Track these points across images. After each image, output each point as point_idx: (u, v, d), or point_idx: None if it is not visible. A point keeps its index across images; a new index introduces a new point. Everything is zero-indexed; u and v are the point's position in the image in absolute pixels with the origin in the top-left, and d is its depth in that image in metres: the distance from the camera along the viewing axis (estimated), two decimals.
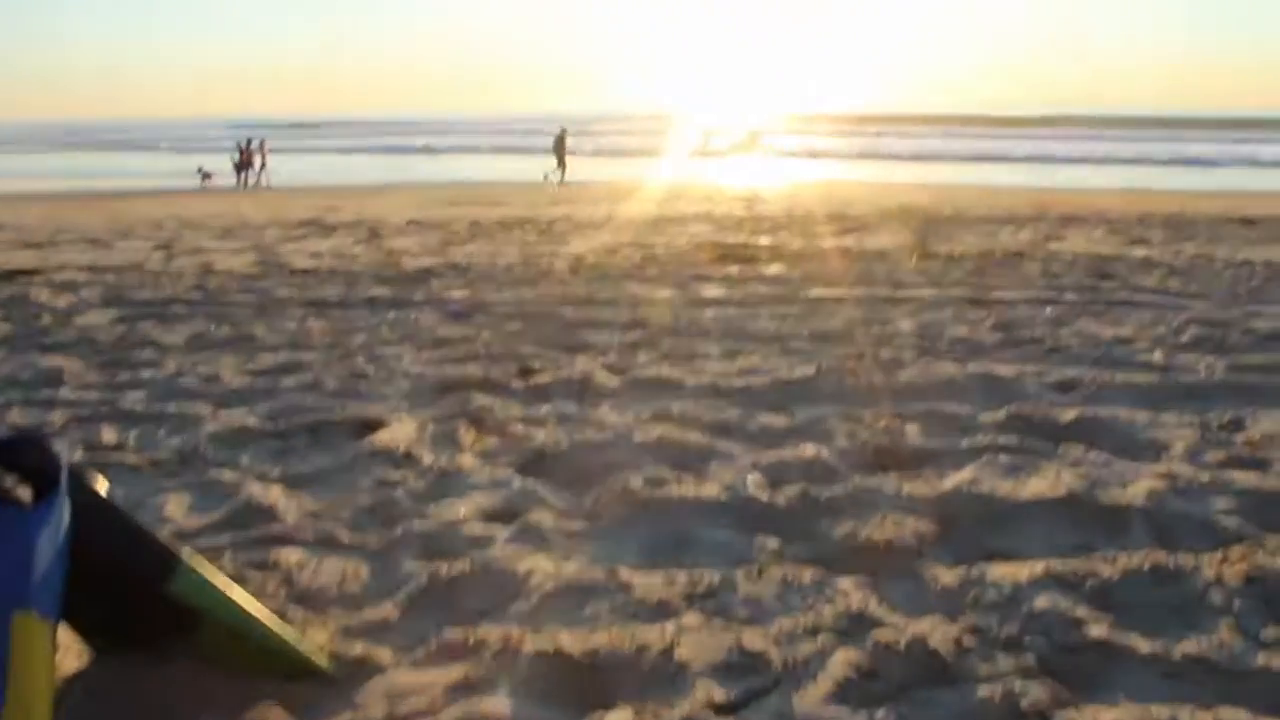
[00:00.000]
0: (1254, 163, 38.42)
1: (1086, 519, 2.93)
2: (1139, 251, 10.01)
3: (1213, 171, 34.07)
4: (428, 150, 51.27)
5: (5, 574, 1.77)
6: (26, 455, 1.91)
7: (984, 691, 2.01)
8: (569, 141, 31.61)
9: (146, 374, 5.05)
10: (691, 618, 2.32)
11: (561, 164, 30.51)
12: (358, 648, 2.24)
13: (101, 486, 1.99)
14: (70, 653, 2.13)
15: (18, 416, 4.27)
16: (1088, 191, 22.68)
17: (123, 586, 1.97)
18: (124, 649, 2.10)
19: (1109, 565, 2.53)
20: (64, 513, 1.87)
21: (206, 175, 30.86)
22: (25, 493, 1.88)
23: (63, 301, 7.55)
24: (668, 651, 2.15)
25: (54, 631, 1.78)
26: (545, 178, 28.52)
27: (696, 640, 2.20)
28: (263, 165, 31.36)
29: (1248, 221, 13.43)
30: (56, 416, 4.28)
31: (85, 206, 20.09)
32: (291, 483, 3.38)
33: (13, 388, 4.83)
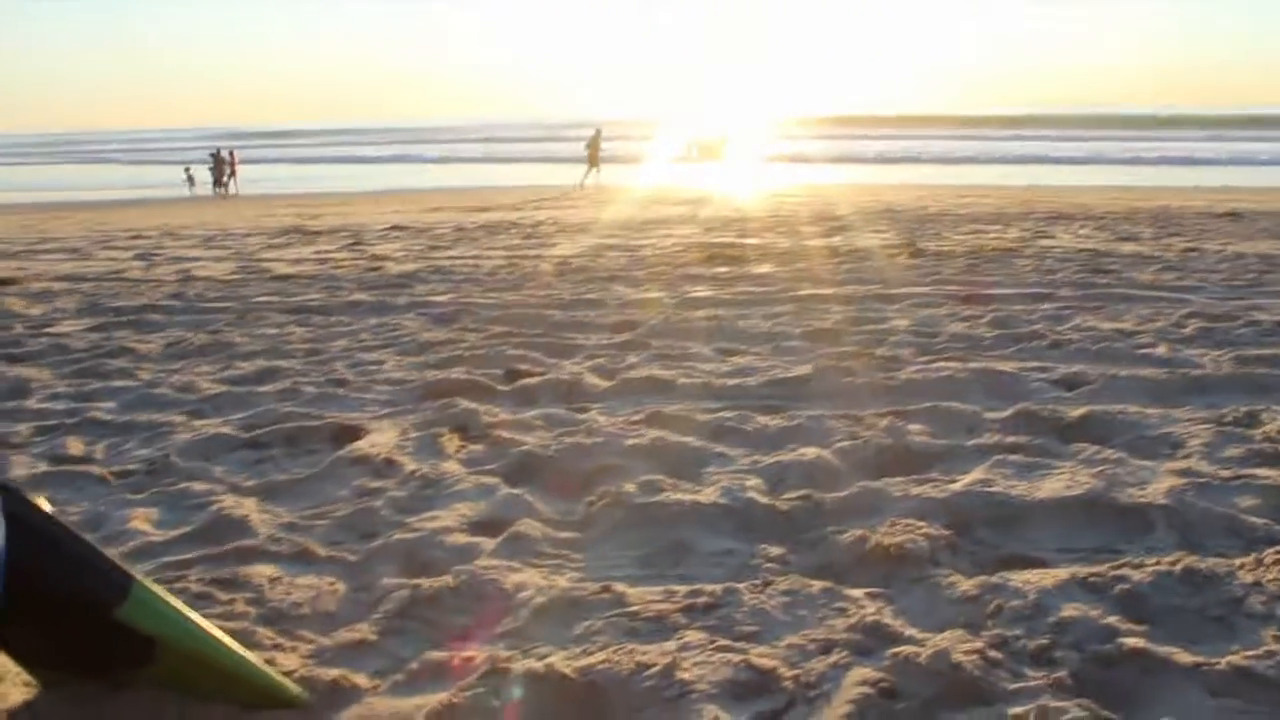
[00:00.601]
0: (1235, 159, 38.45)
1: (1106, 520, 2.78)
2: (1129, 247, 9.88)
3: (1194, 169, 34.07)
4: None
5: None
6: None
7: (1015, 710, 1.85)
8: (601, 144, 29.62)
9: (119, 383, 4.86)
10: (694, 634, 2.15)
11: (594, 164, 28.69)
12: (332, 672, 2.07)
13: (43, 505, 1.81)
14: (16, 685, 1.95)
15: None
16: (1071, 190, 22.58)
17: (70, 613, 1.79)
18: (74, 679, 1.93)
19: (1137, 570, 2.37)
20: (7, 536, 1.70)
21: (191, 179, 31.20)
22: None
23: (37, 311, 7.34)
24: (669, 671, 1.98)
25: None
26: (581, 185, 27.00)
27: (700, 659, 2.03)
28: (232, 174, 31.38)
29: (1234, 215, 13.34)
30: (22, 428, 4.10)
31: (66, 217, 19.82)
32: (265, 494, 3.20)
33: None
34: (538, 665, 1.99)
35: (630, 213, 16.05)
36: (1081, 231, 11.62)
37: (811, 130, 68.81)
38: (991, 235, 11.24)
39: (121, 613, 1.81)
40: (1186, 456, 3.29)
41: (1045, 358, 4.83)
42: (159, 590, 1.89)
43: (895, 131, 66.39)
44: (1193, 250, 9.43)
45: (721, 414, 3.87)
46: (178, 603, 1.91)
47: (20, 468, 3.56)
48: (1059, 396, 4.11)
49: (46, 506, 1.80)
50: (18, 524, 1.71)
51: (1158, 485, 2.95)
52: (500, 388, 4.46)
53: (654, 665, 1.99)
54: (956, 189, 22.84)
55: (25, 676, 1.96)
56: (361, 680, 2.05)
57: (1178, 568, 2.35)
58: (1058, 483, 2.99)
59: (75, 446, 3.82)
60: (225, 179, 31.20)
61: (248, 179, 32.43)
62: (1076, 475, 3.05)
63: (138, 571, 1.90)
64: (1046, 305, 6.35)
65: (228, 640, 1.95)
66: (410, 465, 3.38)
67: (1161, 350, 4.87)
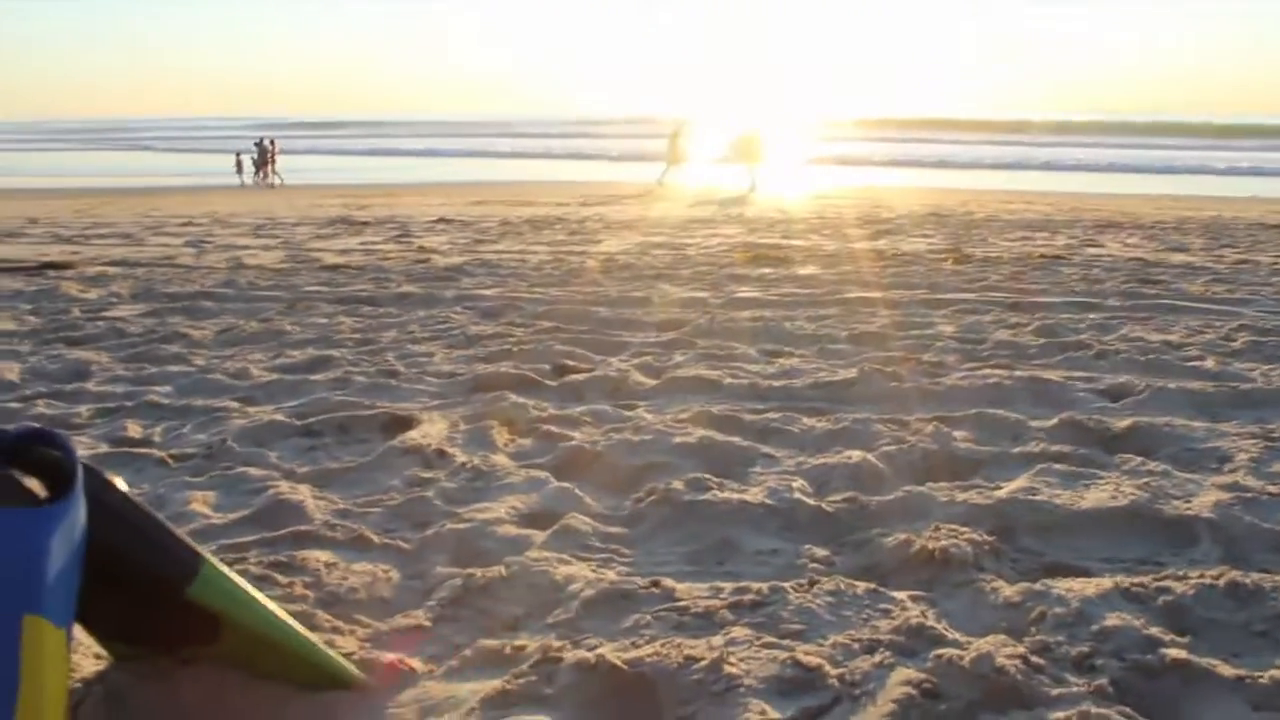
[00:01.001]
0: None
1: (1151, 531, 2.79)
2: (1179, 257, 9.80)
3: (1252, 179, 33.61)
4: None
5: (16, 576, 1.66)
6: (40, 452, 1.81)
7: (1057, 715, 1.88)
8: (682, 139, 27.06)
9: (174, 368, 4.97)
10: (741, 630, 2.19)
11: (677, 160, 26.63)
12: (389, 656, 2.13)
13: (120, 485, 1.88)
14: (88, 656, 2.03)
15: (45, 409, 4.20)
16: (1120, 197, 22.36)
17: (142, 589, 1.86)
18: (143, 653, 2.00)
19: (1180, 582, 2.39)
20: (79, 512, 1.76)
21: (240, 166, 31.99)
22: (39, 490, 1.77)
23: (93, 295, 7.50)
24: (717, 666, 2.02)
25: (68, 635, 1.67)
26: (660, 181, 25.27)
27: (747, 654, 2.08)
28: (273, 162, 31.79)
29: None
30: (83, 410, 4.21)
31: (116, 202, 20.14)
32: (320, 480, 3.28)
33: (40, 380, 4.76)
34: (588, 656, 2.04)
35: (674, 211, 16.10)
36: (1130, 240, 11.54)
37: (851, 132, 68.43)
38: (1039, 242, 11.18)
39: (192, 591, 1.87)
40: (1233, 471, 3.29)
41: (1091, 367, 4.82)
42: (226, 571, 1.96)
43: (937, 135, 65.90)
44: (1245, 262, 9.34)
45: (767, 415, 3.91)
46: (244, 583, 1.98)
47: (82, 449, 3.66)
48: (1105, 407, 4.11)
49: (123, 487, 1.87)
50: (98, 503, 1.78)
51: (1203, 498, 2.95)
52: (548, 383, 4.52)
53: (701, 659, 2.04)
54: (1003, 194, 22.68)
55: (98, 649, 2.04)
56: (417, 664, 2.11)
57: (1222, 581, 2.36)
58: (1102, 493, 3.01)
59: (134, 429, 3.92)
60: (268, 167, 31.65)
61: (294, 169, 32.79)
62: (1121, 486, 3.06)
63: (205, 552, 1.98)
64: (1093, 314, 6.33)
65: (290, 621, 2.02)
66: (461, 457, 3.44)
67: (1210, 363, 4.85)
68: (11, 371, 4.86)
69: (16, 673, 1.57)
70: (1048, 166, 39.82)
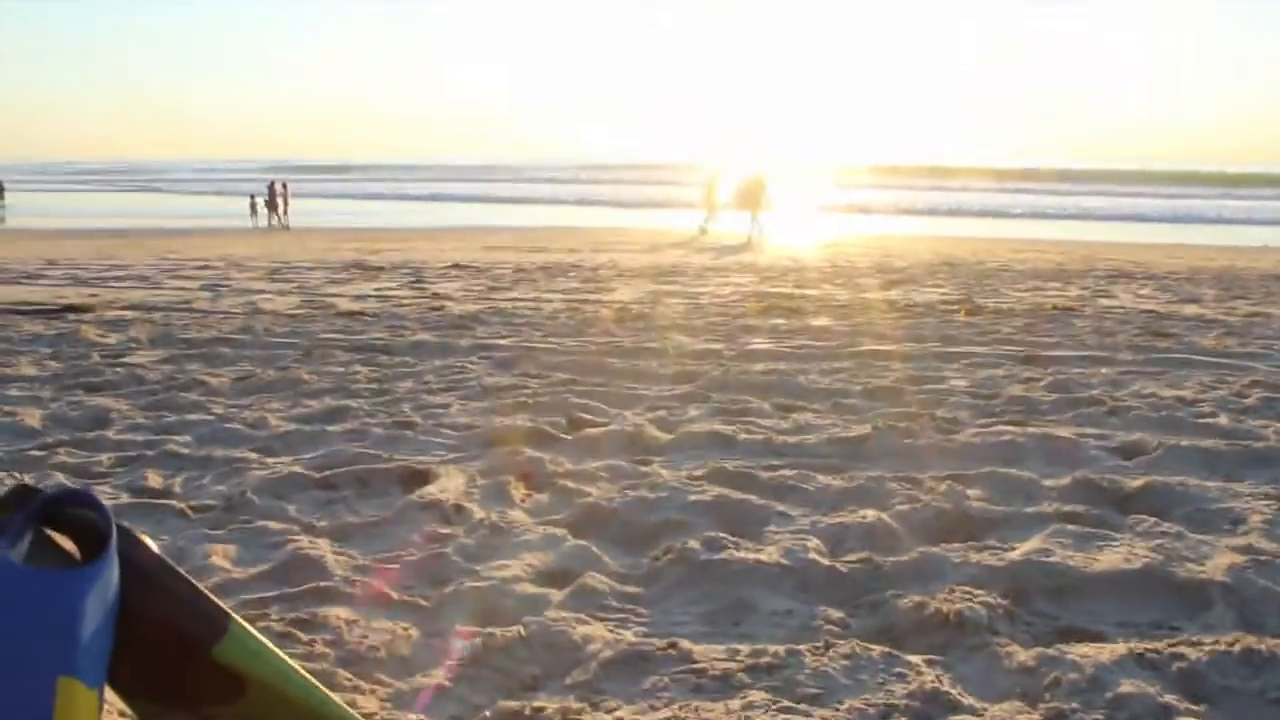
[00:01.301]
0: None
1: (1164, 595, 2.81)
2: (1191, 309, 9.84)
3: (1258, 228, 33.67)
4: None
5: (52, 637, 1.70)
6: (74, 512, 1.85)
7: None
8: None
9: (193, 416, 5.02)
10: (757, 694, 2.21)
11: (714, 207, 26.55)
12: (409, 717, 2.16)
13: (149, 544, 1.92)
14: (111, 713, 2.06)
15: (66, 457, 4.24)
16: (1132, 246, 22.43)
17: (170, 648, 1.89)
18: (168, 713, 2.02)
19: (1194, 648, 2.40)
20: (114, 572, 1.80)
21: (254, 208, 33.04)
22: (73, 550, 1.81)
23: (112, 339, 7.58)
24: None
25: (100, 697, 1.70)
26: (703, 230, 25.26)
27: (765, 719, 2.10)
28: (285, 205, 32.22)
29: None
30: (104, 458, 4.25)
31: (135, 244, 20.34)
32: (339, 535, 3.31)
33: (61, 427, 4.82)
34: (607, 719, 2.06)
35: (687, 259, 16.19)
36: (1142, 291, 11.58)
37: (864, 179, 68.83)
38: (1050, 292, 11.23)
39: (218, 651, 1.90)
40: (1247, 533, 3.30)
41: (1104, 424, 4.84)
42: (252, 630, 1.99)
43: (948, 182, 66.23)
44: (1257, 315, 9.37)
45: (782, 471, 3.94)
46: (267, 642, 2.01)
47: (104, 499, 3.70)
48: (1117, 465, 4.13)
49: (154, 546, 1.91)
50: (129, 563, 1.81)
51: (1217, 561, 2.97)
52: (564, 436, 4.56)
53: None
54: (1015, 242, 22.79)
55: (122, 706, 2.07)
56: None
57: (1236, 648, 2.38)
58: (1116, 555, 3.02)
59: (155, 479, 3.96)
60: (280, 209, 32.08)
61: (305, 212, 33.23)
62: (1135, 547, 3.08)
63: (231, 611, 2.01)
64: (1106, 369, 6.35)
65: (312, 680, 2.04)
66: (479, 513, 3.47)
67: (1223, 420, 4.87)
68: (33, 418, 4.92)
69: None
70: (1060, 215, 39.97)
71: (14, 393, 5.59)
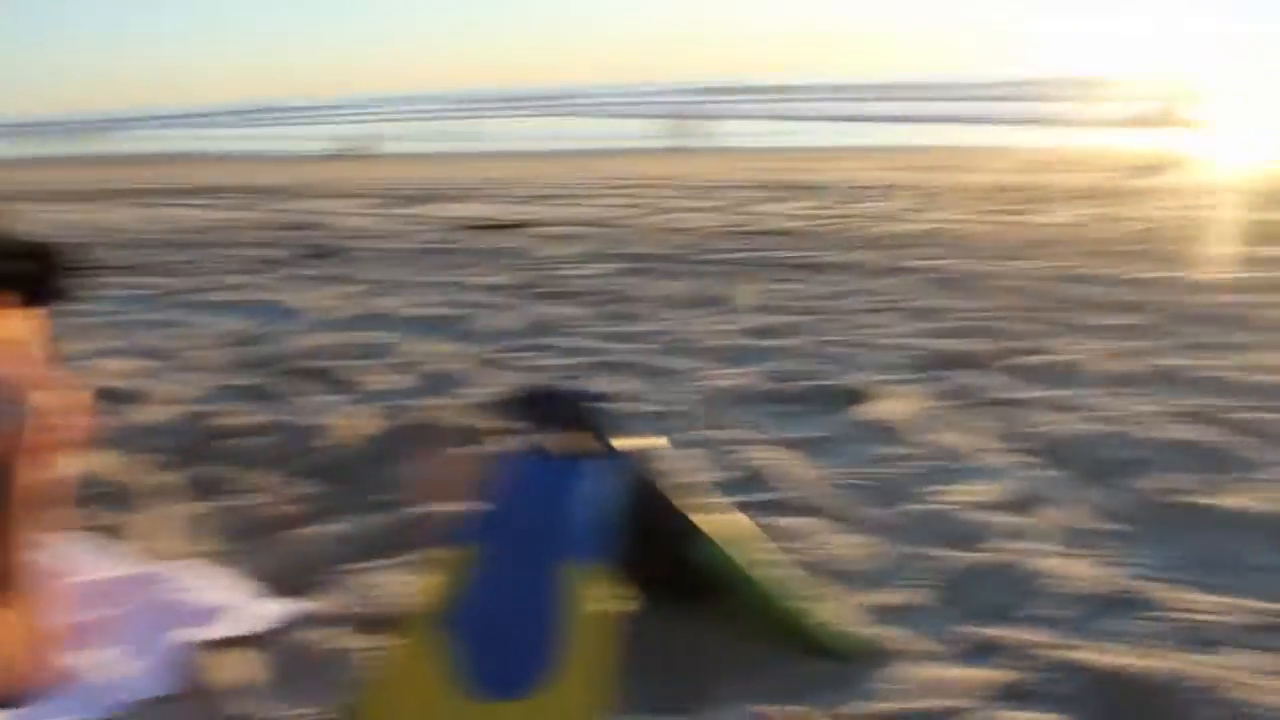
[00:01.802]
0: None
1: None
2: None
3: None
4: None
5: (559, 522, 1.92)
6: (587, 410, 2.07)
7: None
8: None
9: (643, 327, 5.32)
10: (1245, 657, 2.05)
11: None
12: (879, 631, 2.19)
13: (656, 443, 2.09)
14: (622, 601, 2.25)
15: (546, 360, 4.63)
16: None
17: (654, 547, 2.04)
18: (664, 604, 2.18)
19: None
20: (620, 469, 1.99)
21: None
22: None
23: (559, 252, 8.18)
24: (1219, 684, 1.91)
25: (609, 581, 1.86)
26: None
27: (1248, 680, 1.94)
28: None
29: None
30: (571, 362, 4.60)
31: (556, 164, 21.75)
32: (794, 448, 3.38)
33: (529, 333, 5.27)
34: (1098, 658, 2.00)
35: (1127, 181, 15.00)
36: None
37: None
38: None
39: (693, 554, 2.05)
40: None
41: None
42: (725, 534, 2.11)
43: None
44: None
45: (1262, 414, 3.59)
46: (741, 547, 2.12)
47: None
48: None
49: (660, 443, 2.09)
50: (629, 464, 2.01)
51: None
52: (1008, 362, 4.41)
53: (1219, 680, 1.93)
54: None
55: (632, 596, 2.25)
56: (910, 643, 2.15)
57: None
58: None
59: (616, 384, 4.23)
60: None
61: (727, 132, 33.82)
62: None
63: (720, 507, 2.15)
64: None
65: (788, 586, 2.14)
66: (927, 435, 3.45)
67: None
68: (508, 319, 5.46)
69: (563, 618, 1.79)
70: None
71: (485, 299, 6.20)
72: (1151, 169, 16.34)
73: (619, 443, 2.08)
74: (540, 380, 4.17)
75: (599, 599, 1.85)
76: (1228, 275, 6.53)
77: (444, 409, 3.76)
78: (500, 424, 2.70)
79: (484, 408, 3.62)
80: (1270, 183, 13.89)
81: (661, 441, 2.11)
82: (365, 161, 27.55)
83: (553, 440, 2.11)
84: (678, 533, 2.09)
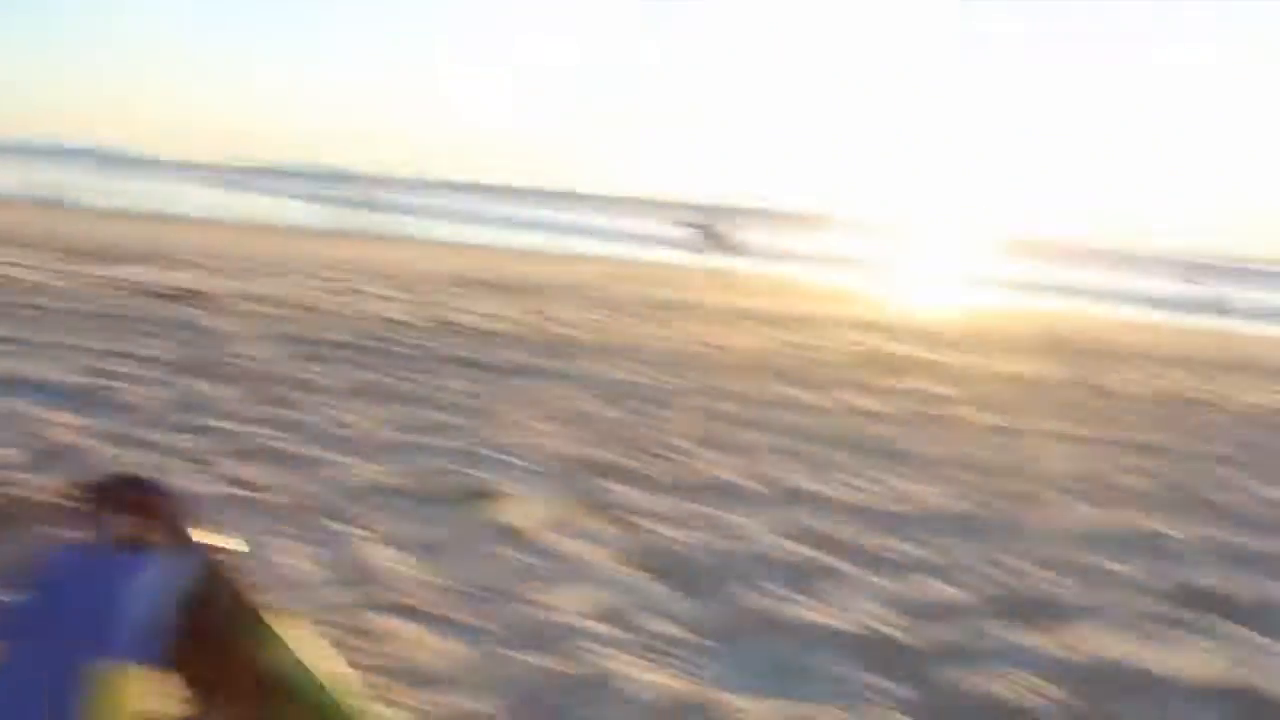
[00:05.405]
0: None
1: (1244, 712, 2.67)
2: None
3: None
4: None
5: (101, 614, 1.78)
6: (149, 500, 1.94)
7: None
8: None
9: (297, 415, 5.14)
10: None
11: None
12: None
13: (233, 544, 1.99)
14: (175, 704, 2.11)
15: (173, 441, 4.37)
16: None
17: (220, 648, 1.94)
18: (225, 706, 2.06)
19: None
20: (181, 562, 1.88)
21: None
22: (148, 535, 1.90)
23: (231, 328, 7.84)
24: None
25: (144, 680, 1.75)
26: None
27: None
28: None
29: None
30: (205, 445, 4.37)
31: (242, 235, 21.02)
32: (410, 547, 3.33)
33: (172, 411, 4.99)
34: None
35: (812, 309, 15.97)
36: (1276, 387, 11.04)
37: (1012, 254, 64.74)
38: (1176, 379, 10.79)
39: (263, 655, 1.95)
40: None
41: (1218, 525, 4.64)
42: (301, 633, 2.02)
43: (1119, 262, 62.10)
44: None
45: (864, 537, 3.85)
46: (316, 646, 2.04)
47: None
48: (1225, 573, 3.95)
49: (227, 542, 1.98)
50: (200, 558, 1.90)
51: None
52: (651, 474, 4.54)
53: None
54: (1156, 327, 21.98)
55: (186, 697, 2.11)
56: None
57: None
58: (1195, 661, 2.90)
59: (248, 472, 4.05)
60: None
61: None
62: (1220, 657, 2.94)
63: (285, 612, 2.05)
64: (1223, 469, 6.08)
65: (356, 687, 2.07)
66: (550, 539, 3.49)
67: None
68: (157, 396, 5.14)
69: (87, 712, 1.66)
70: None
71: None
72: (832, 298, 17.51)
73: (197, 537, 1.97)
74: (145, 466, 3.93)
75: (134, 700, 1.72)
76: (875, 406, 7.04)
77: (42, 488, 3.47)
78: (68, 508, 2.51)
79: (66, 491, 3.37)
80: (954, 323, 15.19)
81: (241, 545, 2.01)
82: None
83: (119, 530, 1.98)
84: (242, 633, 2.00)
